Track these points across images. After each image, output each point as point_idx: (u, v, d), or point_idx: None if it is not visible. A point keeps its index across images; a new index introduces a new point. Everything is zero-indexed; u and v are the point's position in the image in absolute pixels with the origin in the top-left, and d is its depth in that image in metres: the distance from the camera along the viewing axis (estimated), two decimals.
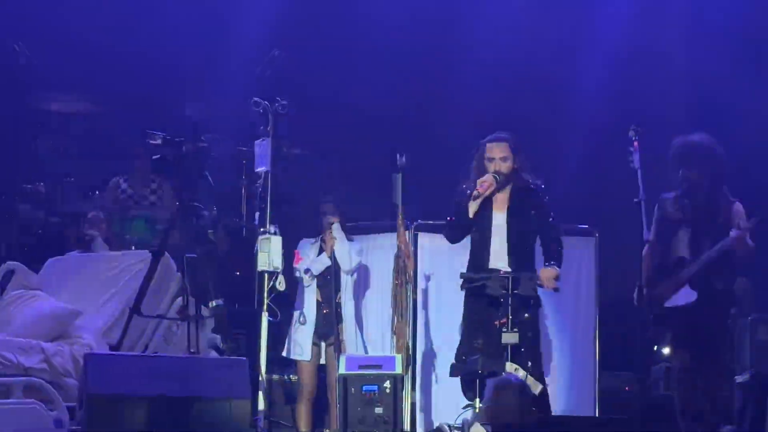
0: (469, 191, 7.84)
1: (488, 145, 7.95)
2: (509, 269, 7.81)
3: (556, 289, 7.84)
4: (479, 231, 7.90)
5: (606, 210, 9.97)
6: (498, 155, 7.90)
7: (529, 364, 7.64)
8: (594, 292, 9.38)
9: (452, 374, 7.76)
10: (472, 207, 7.83)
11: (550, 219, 7.93)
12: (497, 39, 10.80)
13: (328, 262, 8.80)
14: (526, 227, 7.87)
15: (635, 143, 7.36)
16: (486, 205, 7.88)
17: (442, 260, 9.10)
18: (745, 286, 8.91)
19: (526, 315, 7.75)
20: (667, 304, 7.57)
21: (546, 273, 7.75)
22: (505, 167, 7.92)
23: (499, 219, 7.88)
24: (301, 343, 8.91)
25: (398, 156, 8.39)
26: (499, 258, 7.85)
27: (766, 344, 9.08)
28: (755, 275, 8.95)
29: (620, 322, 9.05)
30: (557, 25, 10.95)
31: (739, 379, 7.78)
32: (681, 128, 7.97)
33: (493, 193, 7.87)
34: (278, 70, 8.99)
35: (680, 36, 10.81)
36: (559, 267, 7.81)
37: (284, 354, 8.94)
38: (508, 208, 7.90)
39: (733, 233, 7.36)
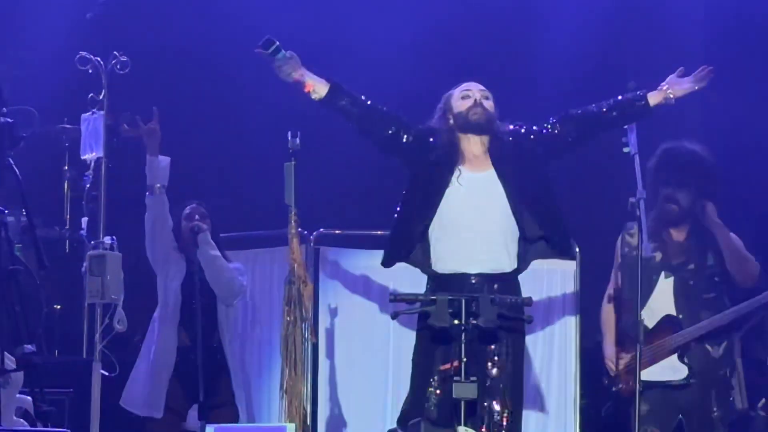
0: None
1: (461, 86, 6.84)
2: (515, 265, 6.63)
3: (527, 320, 6.56)
4: (444, 213, 6.64)
5: (590, 219, 9.04)
6: (477, 90, 6.81)
7: (503, 426, 6.63)
8: (574, 332, 8.34)
9: None
10: None
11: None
12: None
13: None
14: (536, 182, 6.64)
15: None
16: (443, 172, 6.62)
17: (354, 286, 8.38)
18: None
19: (494, 353, 6.54)
20: (645, 377, 6.89)
21: None
22: (489, 106, 6.74)
23: (482, 181, 6.59)
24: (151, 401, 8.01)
25: (290, 136, 7.43)
26: (488, 248, 6.59)
27: None
28: None
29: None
30: None
31: None
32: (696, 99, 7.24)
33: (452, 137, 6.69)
34: (117, 13, 8.87)
35: None
36: None
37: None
38: (497, 162, 6.64)
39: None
